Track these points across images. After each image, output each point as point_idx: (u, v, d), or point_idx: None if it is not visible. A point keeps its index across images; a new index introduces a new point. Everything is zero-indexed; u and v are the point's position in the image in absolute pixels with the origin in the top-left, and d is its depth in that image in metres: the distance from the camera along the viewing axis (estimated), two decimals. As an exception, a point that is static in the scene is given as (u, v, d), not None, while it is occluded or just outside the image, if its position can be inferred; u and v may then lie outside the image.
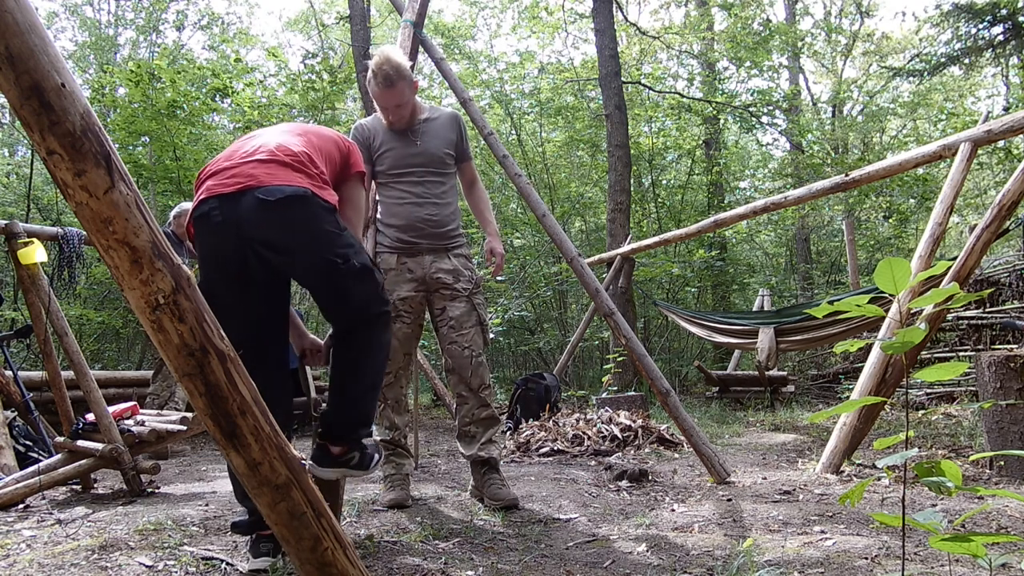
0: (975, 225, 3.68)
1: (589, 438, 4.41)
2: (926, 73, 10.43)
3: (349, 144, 2.35)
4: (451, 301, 2.91)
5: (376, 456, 2.20)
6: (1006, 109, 11.93)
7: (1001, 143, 9.44)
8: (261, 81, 11.91)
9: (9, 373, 4.12)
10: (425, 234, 2.90)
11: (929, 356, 6.57)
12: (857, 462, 3.53)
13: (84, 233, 4.46)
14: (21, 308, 4.34)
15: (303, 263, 2.05)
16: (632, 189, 10.22)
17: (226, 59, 12.77)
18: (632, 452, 4.29)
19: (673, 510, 2.78)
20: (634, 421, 4.67)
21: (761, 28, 13.43)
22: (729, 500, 2.90)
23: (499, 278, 6.02)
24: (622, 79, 9.75)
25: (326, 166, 2.19)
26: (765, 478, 3.40)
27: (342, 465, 2.12)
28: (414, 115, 2.93)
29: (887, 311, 3.33)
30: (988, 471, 3.28)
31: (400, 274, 2.89)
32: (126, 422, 3.50)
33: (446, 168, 2.99)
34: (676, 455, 4.22)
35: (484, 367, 2.93)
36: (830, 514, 2.58)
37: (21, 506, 2.94)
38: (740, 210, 5.99)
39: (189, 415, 3.57)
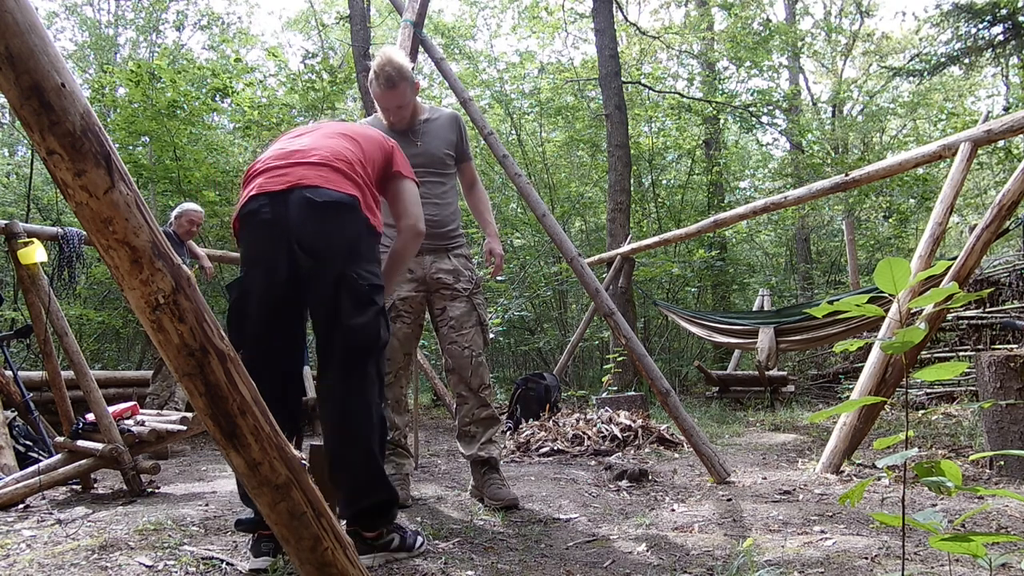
0: (975, 225, 3.68)
1: (589, 438, 4.41)
2: (926, 73, 10.44)
3: (392, 144, 2.36)
4: (451, 301, 2.91)
5: (420, 539, 2.17)
6: (1006, 109, 11.93)
7: (1001, 143, 9.44)
8: (261, 81, 11.92)
9: (9, 373, 4.12)
10: (426, 234, 2.90)
11: (929, 356, 6.57)
12: (857, 462, 3.53)
13: (84, 233, 4.46)
14: (21, 308, 4.35)
15: (328, 271, 2.00)
16: (632, 189, 10.22)
17: (226, 59, 12.77)
18: (632, 452, 4.29)
19: (673, 510, 2.78)
20: (634, 421, 4.67)
21: (761, 28, 13.43)
22: (729, 500, 2.90)
23: (499, 278, 6.03)
24: (622, 79, 9.75)
25: (373, 172, 2.20)
26: (765, 478, 3.40)
27: (381, 549, 2.07)
28: (415, 116, 2.93)
29: (887, 311, 3.33)
30: (988, 471, 3.28)
31: (400, 274, 2.89)
32: (126, 422, 3.49)
33: (446, 168, 2.99)
34: (676, 455, 4.22)
35: (484, 367, 2.93)
36: (830, 514, 2.58)
37: (21, 506, 2.94)
38: (740, 210, 5.99)
39: (189, 415, 3.57)
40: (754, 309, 9.27)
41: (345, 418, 2.02)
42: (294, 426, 2.18)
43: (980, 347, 6.22)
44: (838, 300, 1.44)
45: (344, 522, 2.07)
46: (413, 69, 3.00)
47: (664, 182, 13.90)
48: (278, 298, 2.05)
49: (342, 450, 2.03)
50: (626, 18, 12.85)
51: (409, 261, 2.43)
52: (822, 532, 2.32)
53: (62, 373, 3.79)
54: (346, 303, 2.00)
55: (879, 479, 3.17)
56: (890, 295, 1.27)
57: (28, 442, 3.96)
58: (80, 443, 3.32)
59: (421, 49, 3.91)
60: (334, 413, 2.03)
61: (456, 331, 2.89)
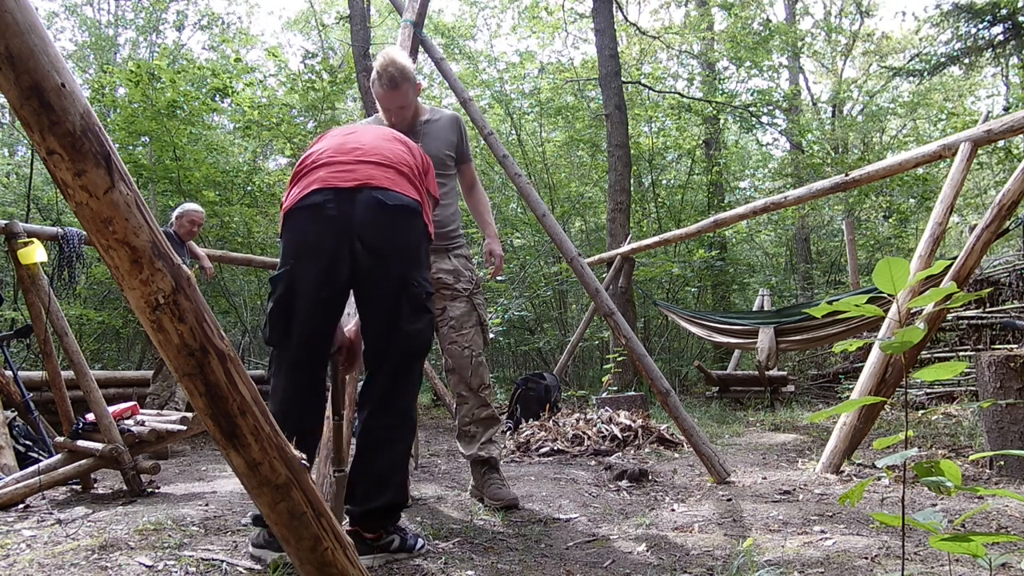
0: (975, 225, 3.68)
1: (589, 438, 4.41)
2: (926, 73, 10.45)
3: (429, 162, 2.40)
4: (451, 301, 2.91)
5: (420, 541, 2.17)
6: (1006, 109, 11.93)
7: (1001, 143, 9.44)
8: (261, 81, 11.92)
9: (9, 373, 4.12)
10: (426, 234, 2.90)
11: (929, 356, 6.57)
12: (857, 462, 3.53)
13: (84, 233, 4.46)
14: (21, 308, 4.35)
15: (390, 274, 2.02)
16: (632, 189, 10.23)
17: (226, 59, 12.78)
18: (632, 452, 4.29)
19: (673, 510, 2.78)
20: (634, 421, 4.67)
21: (761, 28, 13.43)
22: (729, 500, 2.90)
23: (499, 278, 6.04)
24: (622, 79, 9.76)
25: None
26: (765, 478, 3.40)
27: (381, 550, 2.08)
28: (416, 117, 2.94)
29: (886, 311, 3.33)
30: (988, 471, 3.28)
31: None
32: (126, 422, 3.49)
33: (447, 169, 2.99)
34: (676, 455, 4.22)
35: (484, 367, 2.94)
36: (830, 514, 2.58)
37: (21, 506, 2.94)
38: (740, 210, 5.99)
39: (189, 415, 3.57)
40: (754, 309, 9.27)
41: (389, 419, 2.08)
42: (319, 425, 2.18)
43: (980, 347, 6.22)
44: (838, 300, 1.44)
45: (345, 522, 2.08)
46: (413, 69, 3.01)
47: (664, 182, 13.90)
48: (331, 298, 2.05)
49: (377, 450, 2.07)
50: (626, 18, 12.85)
51: None
52: (822, 532, 2.32)
53: (62, 373, 3.79)
54: (406, 308, 2.03)
55: (879, 479, 3.17)
56: (889, 295, 1.27)
57: (28, 442, 3.96)
58: (80, 443, 3.31)
59: (421, 49, 3.91)
60: (378, 413, 2.08)
61: (456, 331, 2.89)
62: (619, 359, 6.77)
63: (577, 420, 4.73)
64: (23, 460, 3.70)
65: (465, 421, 2.95)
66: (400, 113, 2.85)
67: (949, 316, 6.31)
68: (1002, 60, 10.99)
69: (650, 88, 12.97)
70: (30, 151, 10.38)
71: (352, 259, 1.99)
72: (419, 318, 2.06)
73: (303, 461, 1.29)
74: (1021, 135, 3.76)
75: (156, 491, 3.29)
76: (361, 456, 2.09)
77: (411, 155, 2.22)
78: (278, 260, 2.14)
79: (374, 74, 2.78)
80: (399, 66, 2.73)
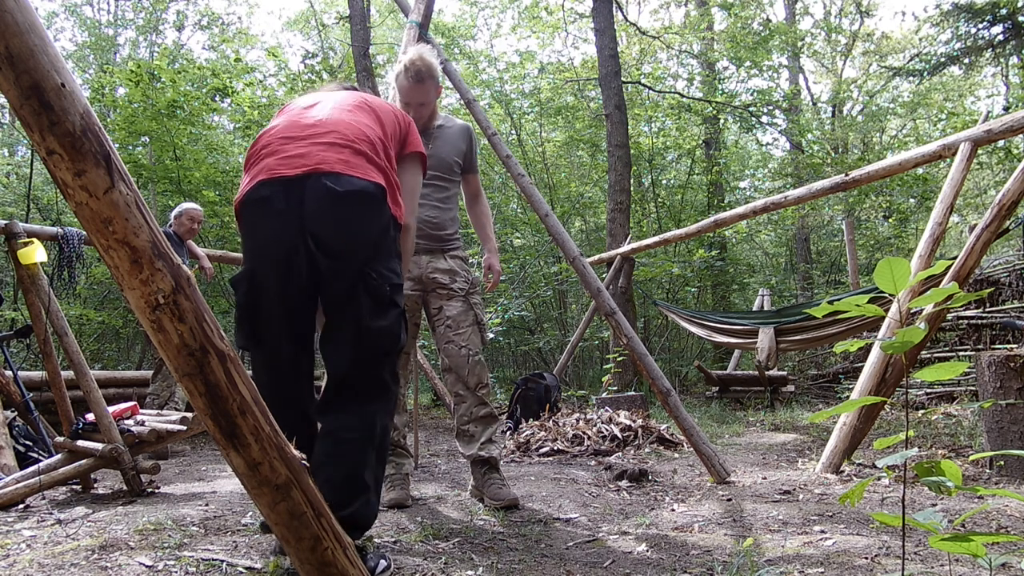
0: (975, 225, 3.68)
1: (589, 438, 4.41)
2: (926, 73, 10.46)
3: (408, 120, 2.19)
4: (448, 301, 2.92)
5: (383, 563, 1.87)
6: (1006, 109, 11.93)
7: (1001, 143, 9.45)
8: (261, 81, 11.93)
9: (9, 373, 4.12)
10: (423, 235, 2.91)
11: (929, 356, 6.57)
12: (857, 462, 3.53)
13: (84, 233, 4.46)
14: (21, 308, 4.35)
15: (345, 272, 1.83)
16: (632, 189, 10.23)
17: (226, 59, 12.78)
18: (632, 452, 4.29)
19: (673, 510, 2.78)
20: (634, 421, 4.67)
21: (761, 28, 13.44)
22: (729, 500, 2.90)
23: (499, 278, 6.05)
24: (622, 79, 9.75)
25: (393, 151, 2.02)
26: (765, 478, 3.40)
27: None
28: (431, 119, 2.97)
29: (887, 311, 3.33)
30: (988, 471, 3.28)
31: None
32: (126, 422, 3.49)
33: (452, 175, 3.02)
34: (676, 455, 4.22)
35: (482, 366, 2.94)
36: (830, 514, 2.58)
37: (21, 506, 2.94)
38: (740, 210, 5.99)
39: (189, 415, 3.57)
40: (754, 309, 9.27)
41: (352, 422, 1.86)
42: (311, 429, 2.03)
43: (980, 347, 6.22)
44: (838, 300, 1.44)
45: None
46: (440, 71, 3.03)
47: (664, 182, 13.90)
48: (295, 296, 1.90)
49: (340, 455, 1.84)
50: (626, 18, 12.85)
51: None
52: (822, 532, 2.32)
53: (62, 373, 3.79)
54: (366, 305, 1.84)
55: (879, 479, 3.17)
56: (890, 295, 1.27)
57: (28, 442, 3.96)
58: (80, 443, 3.31)
59: (422, 49, 3.92)
60: (340, 415, 1.88)
61: (453, 330, 2.90)
62: (619, 359, 6.77)
63: (577, 420, 4.73)
64: (23, 460, 3.70)
65: (463, 420, 2.95)
66: (420, 110, 2.88)
67: (949, 316, 6.30)
68: (1002, 60, 11.00)
69: (650, 88, 12.97)
70: (30, 151, 10.38)
71: (308, 257, 1.83)
72: (383, 314, 1.86)
73: (303, 461, 1.29)
74: (1021, 135, 3.76)
75: (156, 491, 3.29)
76: (321, 463, 1.81)
77: (378, 125, 1.99)
78: None
79: (400, 67, 2.81)
80: (427, 62, 2.78)
